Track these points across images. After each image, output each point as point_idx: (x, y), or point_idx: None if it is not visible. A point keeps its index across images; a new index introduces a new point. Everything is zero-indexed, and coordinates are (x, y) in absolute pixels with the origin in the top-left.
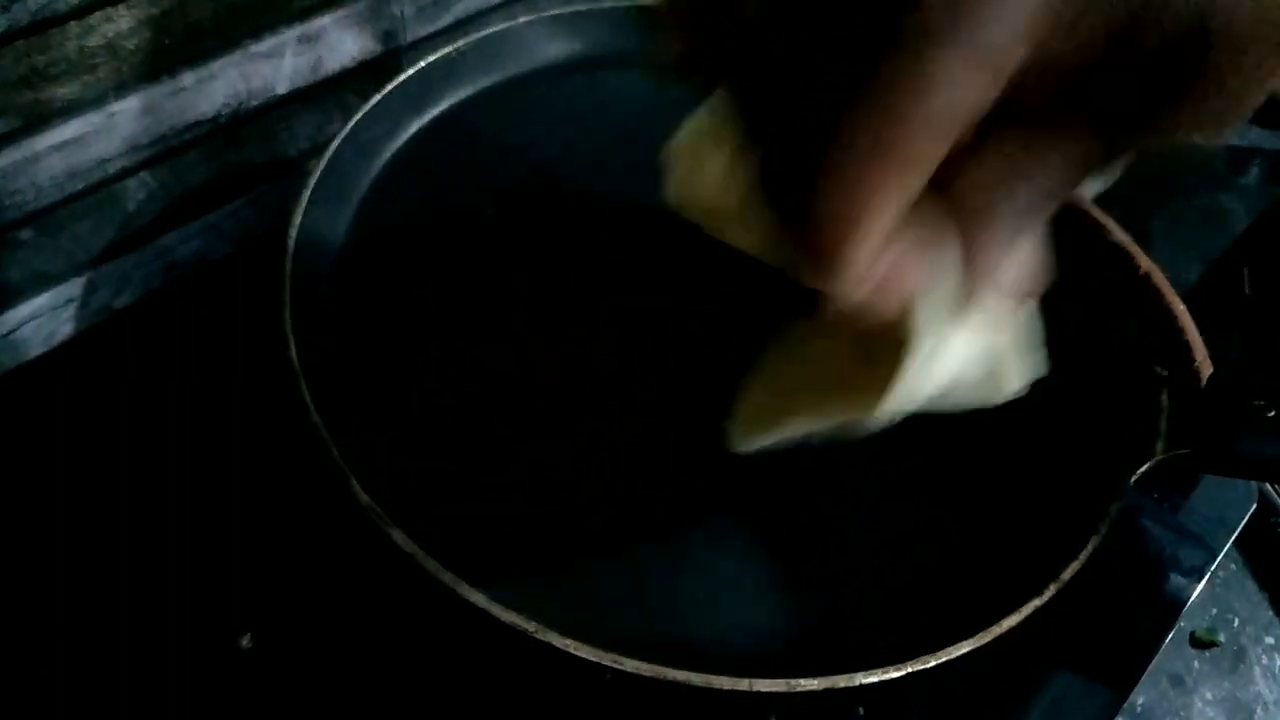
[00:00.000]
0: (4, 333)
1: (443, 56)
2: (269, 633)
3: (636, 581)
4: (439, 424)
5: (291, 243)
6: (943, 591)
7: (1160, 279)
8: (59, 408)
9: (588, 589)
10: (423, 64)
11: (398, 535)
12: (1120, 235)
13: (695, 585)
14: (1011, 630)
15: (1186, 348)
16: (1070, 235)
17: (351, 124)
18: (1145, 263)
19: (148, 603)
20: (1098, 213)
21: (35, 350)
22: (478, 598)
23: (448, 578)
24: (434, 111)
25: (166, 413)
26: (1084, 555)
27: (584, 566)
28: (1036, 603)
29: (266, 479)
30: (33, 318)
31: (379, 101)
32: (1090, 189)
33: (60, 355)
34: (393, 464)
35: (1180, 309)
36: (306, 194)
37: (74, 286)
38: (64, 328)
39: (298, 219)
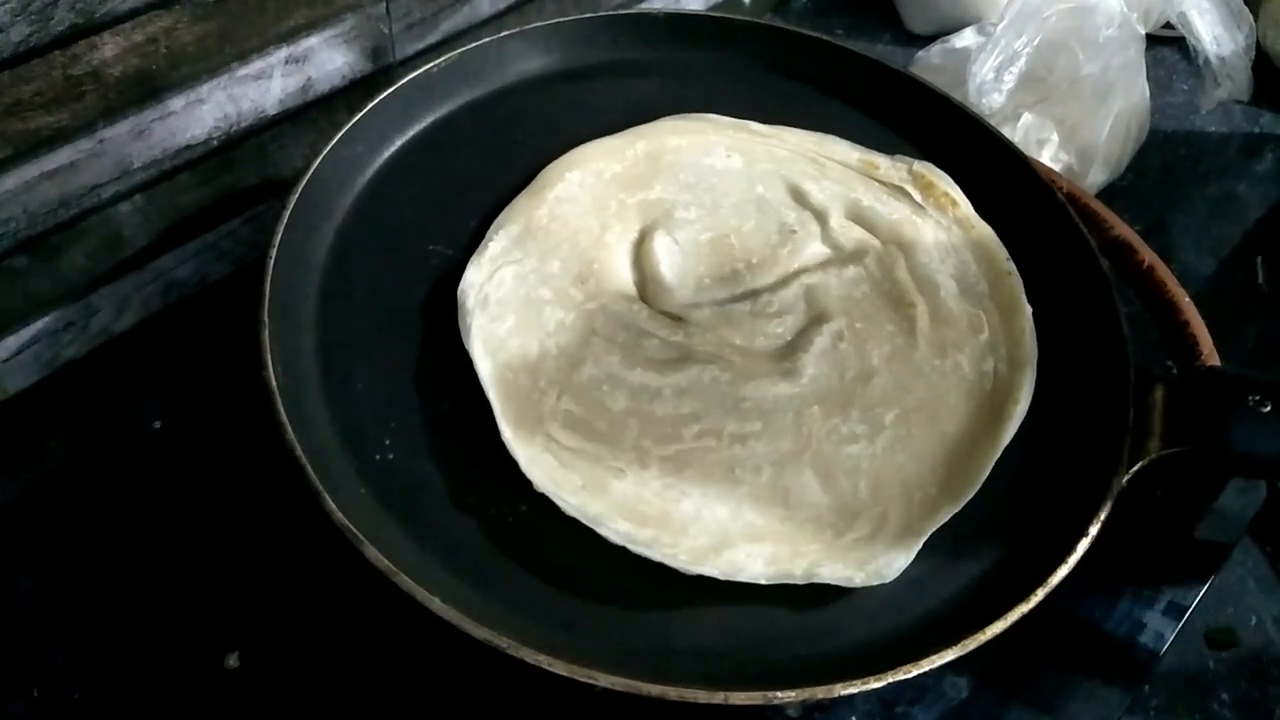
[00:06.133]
0: (4, 358)
1: (423, 73)
2: (255, 651)
3: (613, 590)
4: (422, 439)
5: (271, 263)
6: (928, 596)
7: (1164, 271)
8: (60, 431)
9: (562, 600)
10: (402, 82)
11: (371, 552)
12: (1121, 228)
13: (672, 593)
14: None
15: (1192, 341)
16: (1069, 230)
17: (332, 143)
18: (1148, 255)
19: (136, 623)
20: (1098, 205)
21: (36, 375)
22: (451, 614)
23: (421, 595)
24: (416, 128)
25: (162, 435)
26: (1073, 560)
27: (557, 577)
28: (1023, 609)
29: (254, 498)
30: (33, 342)
31: (359, 120)
32: (1095, 181)
33: (61, 379)
34: (370, 479)
35: (1185, 301)
36: (287, 214)
37: (72, 311)
38: (65, 351)
39: (277, 239)
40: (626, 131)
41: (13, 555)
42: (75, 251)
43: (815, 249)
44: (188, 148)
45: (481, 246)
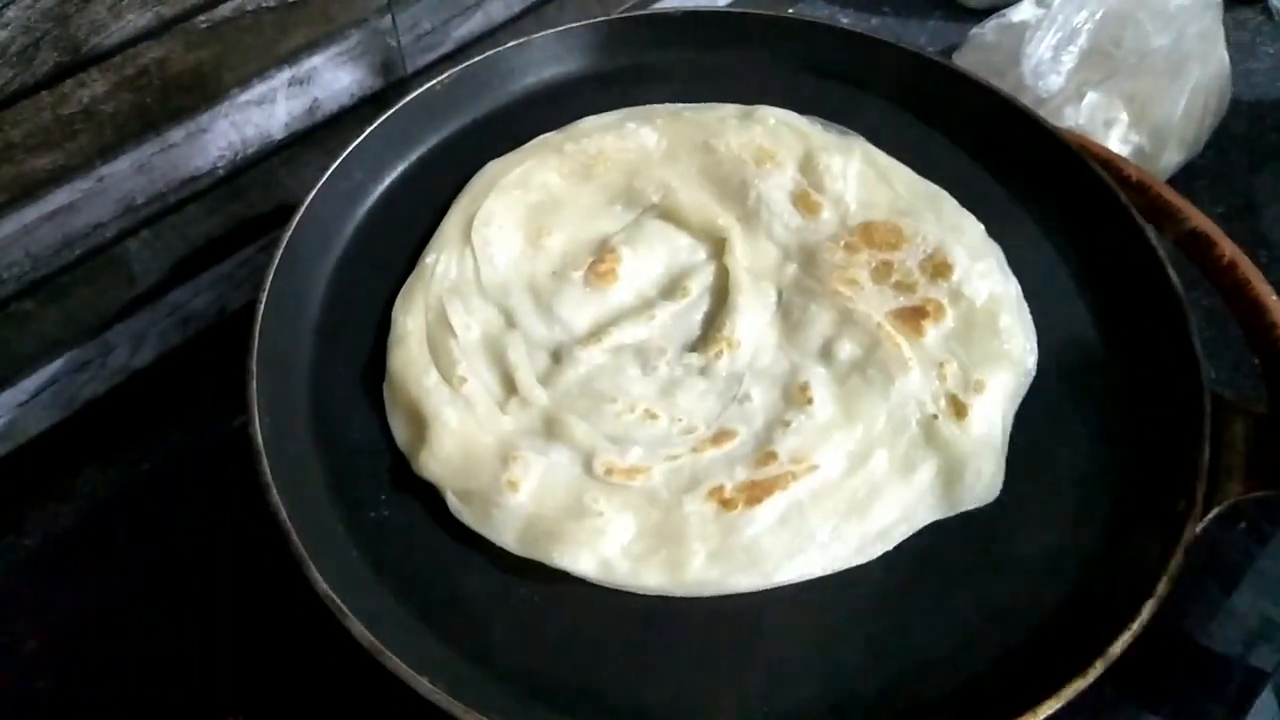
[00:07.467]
0: (23, 400)
1: (425, 92)
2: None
3: (598, 665)
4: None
5: (260, 310)
6: (969, 668)
7: (1247, 267)
8: (79, 472)
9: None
10: (402, 103)
11: (355, 628)
12: (1198, 219)
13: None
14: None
15: None
16: (1134, 235)
17: (325, 176)
18: (1229, 249)
19: (140, 684)
20: (1171, 194)
21: (57, 415)
22: (439, 696)
23: (407, 675)
24: (421, 149)
25: (184, 470)
26: (1135, 626)
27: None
28: (1079, 685)
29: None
30: (51, 384)
31: (354, 149)
32: (1170, 162)
33: (82, 419)
34: (362, 541)
35: (1272, 300)
36: (278, 254)
37: (88, 350)
38: (84, 390)
39: (267, 284)
40: None
41: (36, 606)
42: (84, 291)
43: None
44: (193, 179)
45: None
